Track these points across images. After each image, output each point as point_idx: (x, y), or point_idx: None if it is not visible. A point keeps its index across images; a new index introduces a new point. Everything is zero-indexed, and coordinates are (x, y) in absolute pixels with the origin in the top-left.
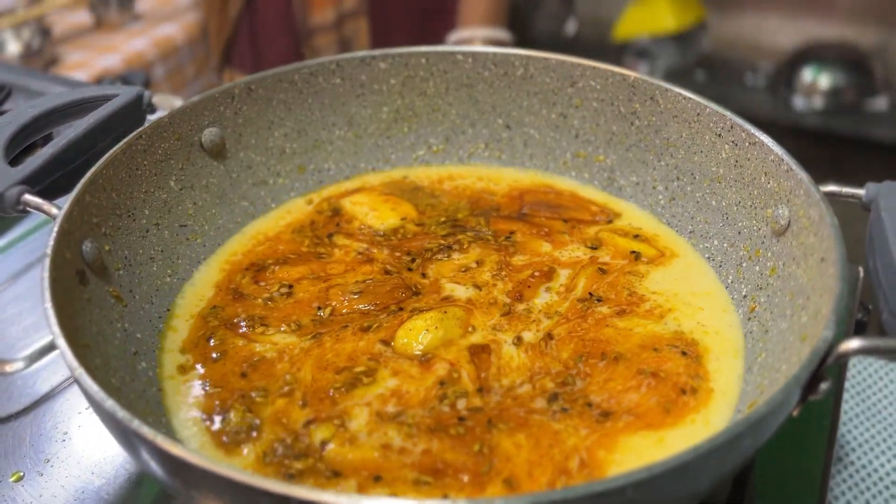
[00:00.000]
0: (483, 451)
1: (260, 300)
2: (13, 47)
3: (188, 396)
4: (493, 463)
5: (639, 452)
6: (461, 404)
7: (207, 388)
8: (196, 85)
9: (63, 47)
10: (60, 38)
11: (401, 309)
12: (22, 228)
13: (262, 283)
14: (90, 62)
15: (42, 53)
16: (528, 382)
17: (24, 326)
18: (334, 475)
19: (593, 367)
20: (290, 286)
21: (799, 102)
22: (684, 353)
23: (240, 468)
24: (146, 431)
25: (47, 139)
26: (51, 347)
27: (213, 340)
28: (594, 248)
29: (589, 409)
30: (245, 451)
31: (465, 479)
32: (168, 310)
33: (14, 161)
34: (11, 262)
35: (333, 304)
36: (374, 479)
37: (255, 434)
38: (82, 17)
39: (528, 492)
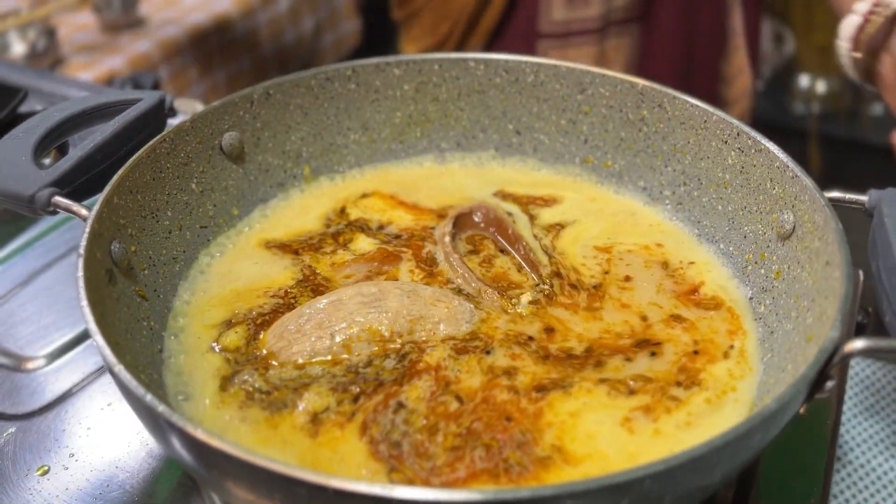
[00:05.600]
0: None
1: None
2: (18, 48)
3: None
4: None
5: None
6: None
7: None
8: (200, 86)
9: (68, 48)
10: (65, 39)
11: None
12: (38, 229)
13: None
14: (95, 63)
15: (47, 54)
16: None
17: (43, 325)
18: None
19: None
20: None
21: (797, 107)
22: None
23: (280, 460)
24: (186, 425)
25: (63, 144)
26: (70, 345)
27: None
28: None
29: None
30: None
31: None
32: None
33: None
34: (29, 262)
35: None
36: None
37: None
38: (86, 18)
39: (550, 483)
